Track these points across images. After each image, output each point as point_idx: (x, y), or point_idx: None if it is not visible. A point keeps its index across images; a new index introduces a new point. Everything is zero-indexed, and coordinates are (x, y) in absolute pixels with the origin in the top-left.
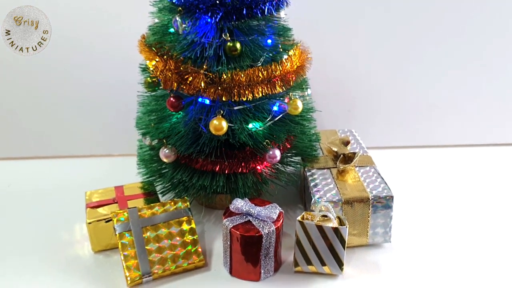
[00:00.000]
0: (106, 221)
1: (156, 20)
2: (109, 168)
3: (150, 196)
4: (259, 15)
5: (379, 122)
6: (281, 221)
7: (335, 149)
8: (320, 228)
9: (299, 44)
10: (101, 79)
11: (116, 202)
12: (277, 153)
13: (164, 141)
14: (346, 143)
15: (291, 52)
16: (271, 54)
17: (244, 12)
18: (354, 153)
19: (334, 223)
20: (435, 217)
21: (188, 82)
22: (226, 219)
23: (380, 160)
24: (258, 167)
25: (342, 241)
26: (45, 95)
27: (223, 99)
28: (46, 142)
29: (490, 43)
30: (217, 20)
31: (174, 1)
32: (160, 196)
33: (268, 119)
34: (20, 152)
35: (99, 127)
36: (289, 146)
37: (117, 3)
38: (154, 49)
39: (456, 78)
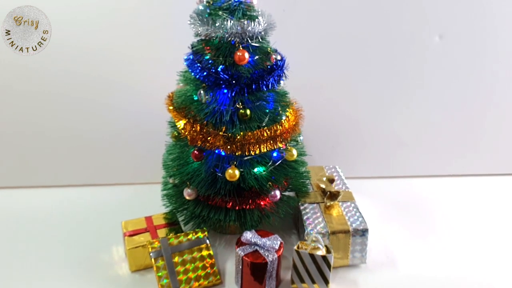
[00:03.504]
0: (142, 247)
1: (181, 85)
2: (138, 195)
3: (174, 225)
4: (265, 88)
5: (358, 156)
6: (281, 250)
7: (323, 186)
8: (312, 256)
9: (294, 104)
10: (131, 110)
11: (148, 231)
12: (277, 193)
13: (188, 183)
14: (332, 181)
15: (288, 113)
16: (272, 116)
17: (254, 87)
18: (338, 192)
19: (323, 251)
20: (405, 240)
21: (210, 142)
22: (238, 248)
23: (359, 188)
24: (262, 203)
25: (329, 266)
26: (79, 125)
27: (237, 154)
28: (80, 171)
29: (457, 90)
30: (233, 95)
31: (199, 78)
32: (182, 224)
33: (270, 163)
34: (57, 180)
35: (128, 157)
36: (286, 185)
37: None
38: (182, 112)
39: (423, 118)
